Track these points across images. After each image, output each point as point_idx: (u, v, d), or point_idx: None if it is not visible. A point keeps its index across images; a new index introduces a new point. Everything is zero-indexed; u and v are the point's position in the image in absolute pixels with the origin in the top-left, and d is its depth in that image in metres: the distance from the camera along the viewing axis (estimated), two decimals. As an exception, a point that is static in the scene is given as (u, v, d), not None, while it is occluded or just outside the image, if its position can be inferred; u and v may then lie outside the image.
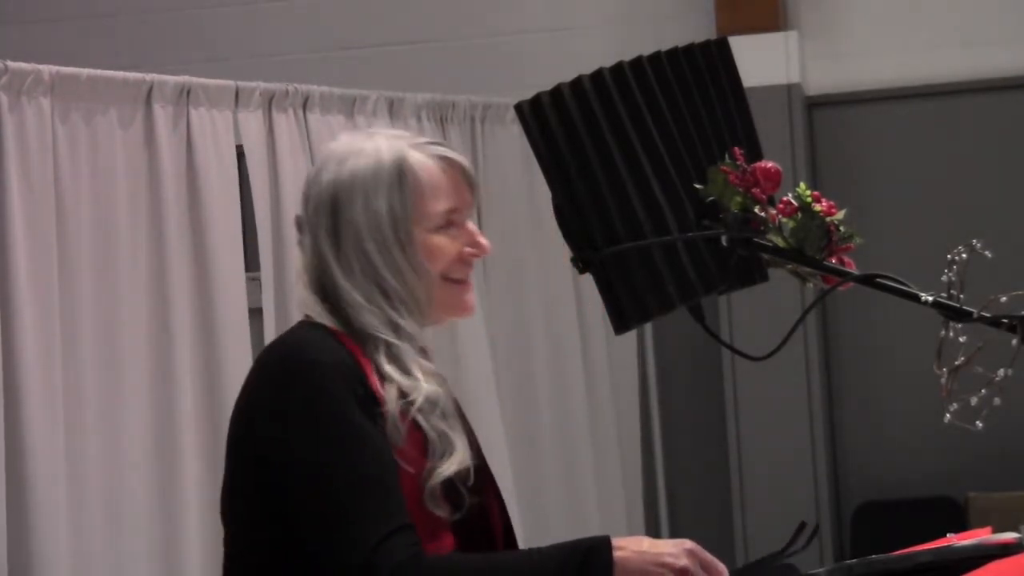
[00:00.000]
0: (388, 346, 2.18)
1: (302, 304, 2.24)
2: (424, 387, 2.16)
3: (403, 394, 2.15)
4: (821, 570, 2.06)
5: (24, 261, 3.69)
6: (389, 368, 2.16)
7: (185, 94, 4.18)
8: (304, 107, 4.57)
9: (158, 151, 4.09)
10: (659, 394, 6.01)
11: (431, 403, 2.16)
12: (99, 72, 4.00)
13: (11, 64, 3.75)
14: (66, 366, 3.79)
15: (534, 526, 5.03)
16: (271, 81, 4.53)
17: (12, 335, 3.65)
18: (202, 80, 4.26)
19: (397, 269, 2.20)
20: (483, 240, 2.30)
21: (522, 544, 2.29)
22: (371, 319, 2.19)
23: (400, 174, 2.22)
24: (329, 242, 2.22)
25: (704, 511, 6.01)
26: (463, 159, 2.28)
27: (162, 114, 4.11)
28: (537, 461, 5.38)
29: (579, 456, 5.51)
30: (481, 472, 2.24)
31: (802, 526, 2.21)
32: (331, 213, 2.22)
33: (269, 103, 4.46)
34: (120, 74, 4.07)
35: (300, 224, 2.28)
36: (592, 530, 5.25)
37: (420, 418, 2.15)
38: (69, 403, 3.78)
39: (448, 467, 2.13)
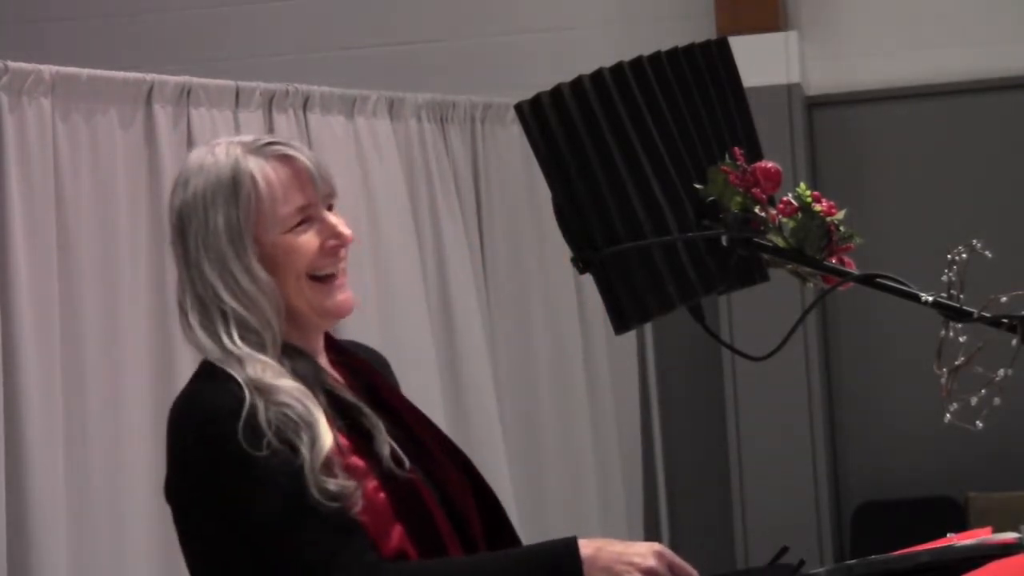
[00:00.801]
0: (235, 380, 2.13)
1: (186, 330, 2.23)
2: (264, 413, 2.09)
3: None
4: (821, 570, 2.06)
5: (24, 261, 3.70)
6: (248, 398, 2.11)
7: (185, 94, 4.18)
8: (304, 107, 4.57)
9: (158, 151, 4.09)
10: (659, 394, 6.01)
11: (278, 419, 2.10)
12: (99, 72, 4.00)
13: (11, 64, 3.75)
14: (66, 366, 3.79)
15: (536, 526, 5.03)
16: (271, 81, 4.53)
17: (12, 335, 3.65)
18: (202, 80, 4.26)
19: (241, 291, 2.15)
20: (344, 229, 2.24)
21: (519, 526, 2.29)
22: (215, 353, 2.16)
23: (235, 185, 2.17)
24: (182, 268, 2.20)
25: (704, 511, 6.01)
26: (304, 153, 2.23)
27: (162, 114, 4.11)
28: (539, 461, 5.38)
29: (581, 456, 5.51)
30: (415, 449, 2.23)
31: (783, 550, 2.21)
32: (180, 238, 2.20)
33: (269, 103, 4.46)
34: (120, 74, 4.07)
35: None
36: (593, 529, 5.26)
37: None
38: (69, 403, 3.79)
39: (309, 462, 2.07)
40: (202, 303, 2.18)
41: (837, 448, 6.05)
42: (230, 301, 2.15)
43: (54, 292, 3.77)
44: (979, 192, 5.98)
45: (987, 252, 2.11)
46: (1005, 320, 2.08)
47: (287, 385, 2.13)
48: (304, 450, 2.08)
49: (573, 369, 5.52)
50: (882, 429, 6.03)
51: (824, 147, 6.10)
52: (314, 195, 2.22)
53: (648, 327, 5.82)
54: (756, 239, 2.25)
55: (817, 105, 6.08)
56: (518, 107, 2.28)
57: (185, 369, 4.04)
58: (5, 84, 3.72)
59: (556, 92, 2.25)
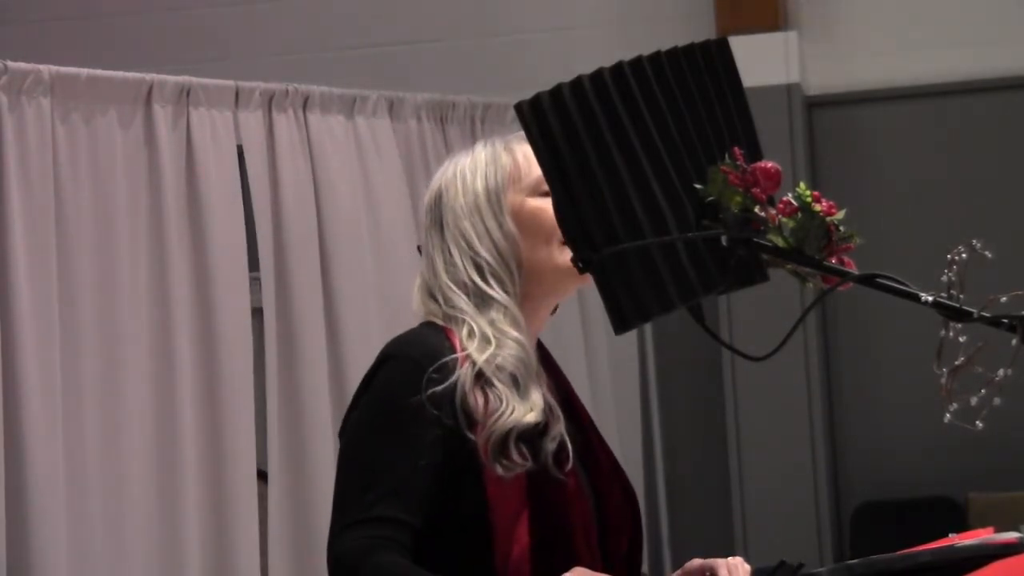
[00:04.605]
0: (472, 324, 2.29)
1: (417, 315, 2.38)
2: (490, 354, 2.25)
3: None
4: (822, 569, 2.06)
5: (24, 261, 3.69)
6: (471, 345, 2.27)
7: (185, 94, 4.18)
8: (304, 107, 4.56)
9: (158, 151, 4.09)
10: (659, 394, 6.01)
11: (497, 368, 2.25)
12: (99, 72, 4.00)
13: (11, 64, 3.75)
14: (66, 366, 3.79)
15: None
16: (271, 81, 4.53)
17: (12, 335, 3.65)
18: (202, 80, 4.26)
19: (491, 242, 2.33)
20: None
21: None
22: (459, 301, 2.31)
23: (495, 155, 2.40)
24: (435, 235, 2.37)
25: (704, 511, 6.01)
26: None
27: (162, 114, 4.11)
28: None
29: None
30: (586, 458, 2.30)
31: (780, 564, 2.22)
32: (436, 206, 2.39)
33: (269, 103, 4.46)
34: (120, 74, 4.07)
35: (421, 249, 2.41)
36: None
37: (488, 384, 2.25)
38: (69, 403, 3.78)
39: (502, 423, 2.21)
40: (455, 263, 2.34)
41: (837, 448, 6.05)
42: (484, 252, 2.33)
43: (54, 292, 3.77)
44: (979, 192, 5.99)
45: (987, 252, 2.11)
46: (1005, 320, 2.08)
47: (514, 340, 2.28)
48: (511, 406, 2.22)
49: (574, 369, 5.52)
50: (882, 429, 6.03)
51: (824, 147, 6.10)
52: None
53: (648, 327, 5.81)
54: (756, 239, 2.25)
55: (817, 105, 6.08)
56: (518, 107, 2.28)
57: (185, 368, 4.05)
58: (4, 84, 3.72)
59: (556, 92, 2.25)
